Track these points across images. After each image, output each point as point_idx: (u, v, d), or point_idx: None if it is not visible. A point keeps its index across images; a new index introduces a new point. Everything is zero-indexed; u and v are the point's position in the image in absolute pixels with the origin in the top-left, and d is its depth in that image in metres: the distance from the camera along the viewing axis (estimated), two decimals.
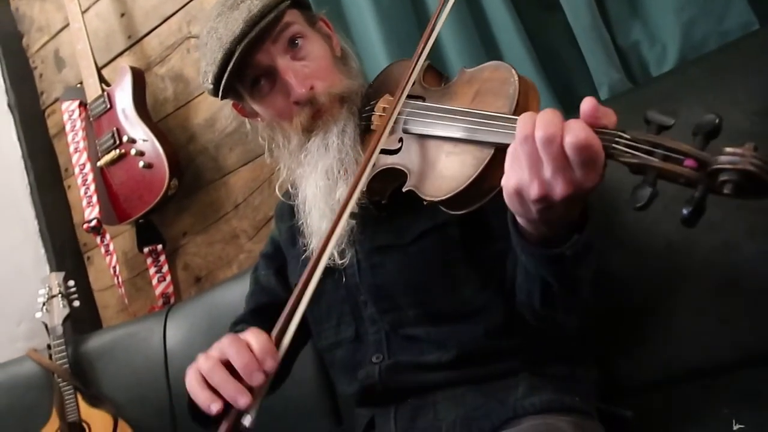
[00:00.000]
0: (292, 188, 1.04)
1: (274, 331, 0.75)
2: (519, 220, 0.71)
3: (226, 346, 0.74)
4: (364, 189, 0.84)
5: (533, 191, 0.64)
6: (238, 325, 1.13)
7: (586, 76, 1.34)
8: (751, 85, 1.04)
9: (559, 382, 0.89)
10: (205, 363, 0.75)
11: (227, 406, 0.71)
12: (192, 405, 0.79)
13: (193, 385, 0.75)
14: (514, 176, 0.65)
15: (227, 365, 0.73)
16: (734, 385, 0.97)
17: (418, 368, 0.91)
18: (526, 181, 0.64)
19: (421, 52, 0.88)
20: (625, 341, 1.09)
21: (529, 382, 0.87)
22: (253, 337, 0.74)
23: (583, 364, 0.96)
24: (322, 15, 1.04)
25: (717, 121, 0.58)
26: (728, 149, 0.56)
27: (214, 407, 0.71)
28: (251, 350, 0.72)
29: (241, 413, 0.71)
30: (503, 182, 0.67)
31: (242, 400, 0.70)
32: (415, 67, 0.88)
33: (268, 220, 1.79)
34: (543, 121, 0.62)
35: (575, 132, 0.60)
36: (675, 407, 0.98)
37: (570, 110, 1.37)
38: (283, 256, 1.12)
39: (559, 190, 0.62)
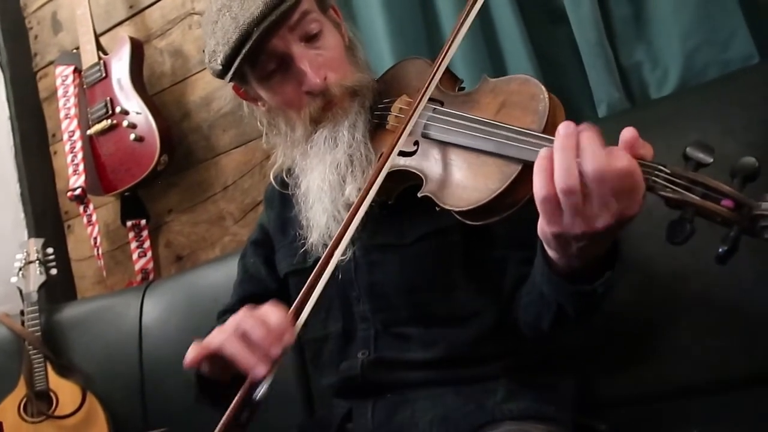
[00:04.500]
0: (287, 176, 1.03)
1: (292, 308, 0.75)
2: (550, 253, 0.70)
3: (242, 319, 0.74)
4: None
5: (577, 228, 0.62)
6: (226, 314, 1.10)
7: (587, 92, 1.35)
8: (747, 116, 1.06)
9: (538, 390, 0.90)
10: (219, 334, 0.74)
11: (239, 379, 0.72)
12: (198, 380, 0.79)
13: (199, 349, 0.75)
14: (555, 221, 0.63)
15: (243, 338, 0.72)
16: (706, 405, 1.00)
17: (401, 365, 0.92)
18: (568, 222, 0.63)
19: (444, 56, 0.85)
20: (604, 356, 1.10)
21: (509, 388, 0.88)
22: (271, 311, 0.74)
23: (563, 375, 0.97)
24: (332, 3, 1.02)
25: (757, 165, 0.59)
26: None
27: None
28: (268, 324, 0.72)
29: (255, 385, 0.71)
30: (539, 227, 0.65)
31: (259, 369, 0.70)
32: (437, 70, 0.85)
33: (256, 205, 1.78)
34: (591, 154, 0.60)
35: (618, 159, 0.59)
36: (647, 423, 1.00)
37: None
38: (271, 243, 1.11)
39: (601, 222, 0.62)
